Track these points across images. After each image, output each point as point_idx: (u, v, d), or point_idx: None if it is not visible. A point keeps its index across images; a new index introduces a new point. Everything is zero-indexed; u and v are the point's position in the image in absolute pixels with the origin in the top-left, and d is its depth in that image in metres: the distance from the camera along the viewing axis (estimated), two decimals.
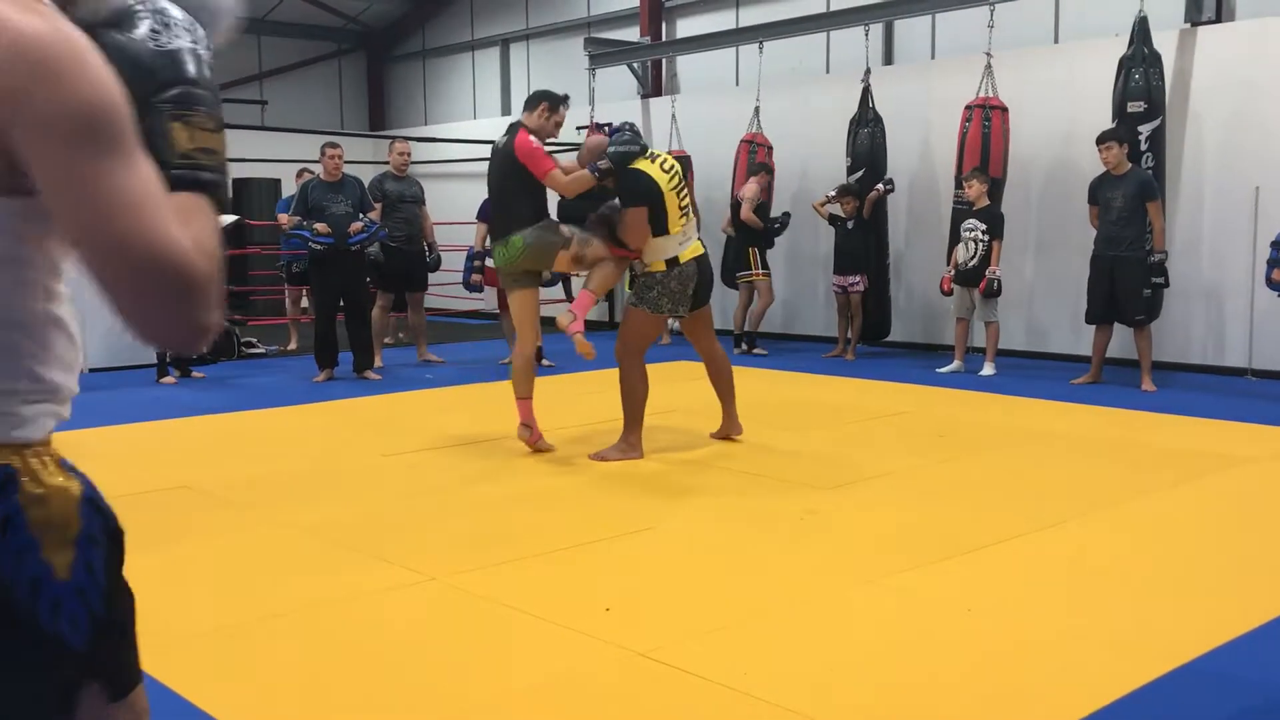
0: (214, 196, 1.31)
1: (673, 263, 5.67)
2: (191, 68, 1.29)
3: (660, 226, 5.61)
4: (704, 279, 5.87)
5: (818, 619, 3.48)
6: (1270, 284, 7.32)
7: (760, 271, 10.24)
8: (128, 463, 5.87)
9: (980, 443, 6.19)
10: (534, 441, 5.86)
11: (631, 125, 5.89)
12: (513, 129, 5.87)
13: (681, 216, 5.69)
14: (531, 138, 5.79)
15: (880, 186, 9.70)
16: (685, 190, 5.81)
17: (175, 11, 1.31)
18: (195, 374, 8.88)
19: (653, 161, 5.65)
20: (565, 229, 5.79)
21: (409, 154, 9.82)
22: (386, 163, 9.86)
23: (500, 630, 3.39)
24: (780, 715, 2.76)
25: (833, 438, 6.36)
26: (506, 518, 4.73)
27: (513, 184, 5.79)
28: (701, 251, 5.84)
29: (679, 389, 7.46)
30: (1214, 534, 4.42)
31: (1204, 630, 3.29)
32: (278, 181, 13.85)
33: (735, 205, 10.34)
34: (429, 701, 2.90)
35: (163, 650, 3.24)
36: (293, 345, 10.95)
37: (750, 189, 10.04)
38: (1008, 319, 9.41)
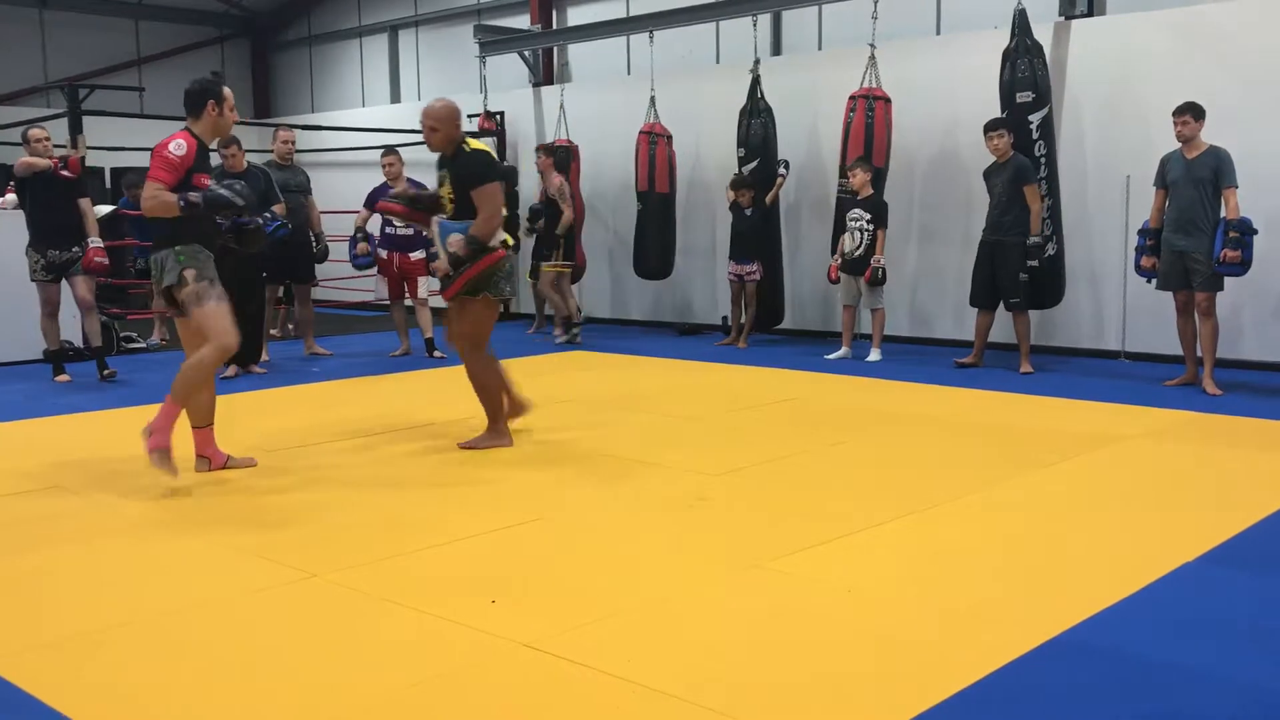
0: None
1: (504, 244, 5.67)
2: None
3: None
4: None
5: (702, 604, 3.50)
6: (1139, 270, 7.60)
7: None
8: (11, 461, 5.65)
9: (862, 427, 6.31)
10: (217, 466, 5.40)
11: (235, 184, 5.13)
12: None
13: None
14: (174, 142, 5.09)
15: (782, 171, 9.80)
16: None
17: None
18: (108, 371, 8.33)
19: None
20: (189, 272, 5.09)
21: (293, 142, 9.61)
22: (270, 151, 9.63)
23: (382, 626, 3.34)
24: (659, 700, 2.78)
25: (723, 425, 6.41)
26: (392, 512, 4.66)
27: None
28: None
29: (572, 379, 7.46)
30: (1082, 511, 4.56)
31: (1069, 605, 3.40)
32: None
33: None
34: (304, 703, 2.84)
35: (24, 655, 3.13)
36: (158, 338, 10.64)
37: (556, 181, 10.35)
38: (893, 305, 9.61)
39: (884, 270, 8.74)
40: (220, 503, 4.84)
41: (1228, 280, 7.29)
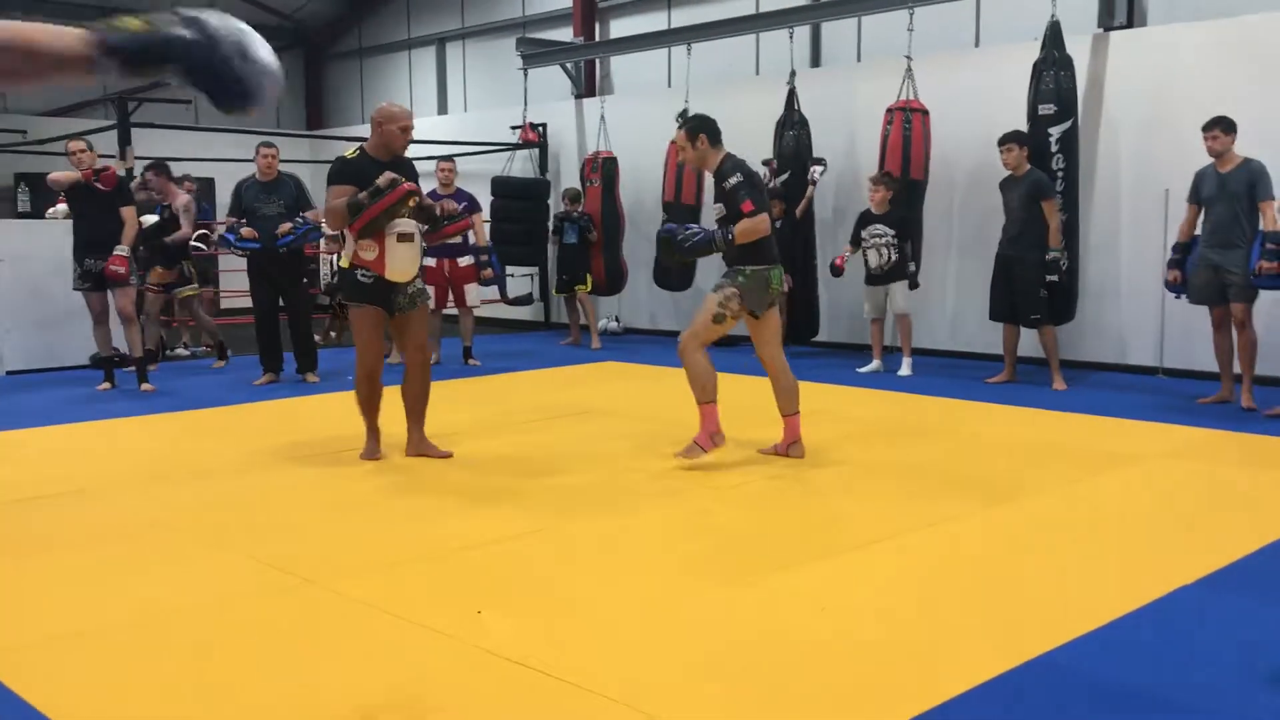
0: None
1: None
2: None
3: None
4: None
5: (691, 620, 3.51)
6: (1167, 285, 7.49)
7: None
8: (32, 465, 5.83)
9: (879, 441, 6.27)
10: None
11: None
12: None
13: None
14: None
15: (814, 177, 9.71)
16: None
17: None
18: (146, 385, 8.37)
19: None
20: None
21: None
22: (328, 162, 9.74)
23: (363, 634, 3.40)
24: (631, 716, 2.80)
25: (737, 440, 6.41)
26: (403, 521, 4.73)
27: None
28: None
29: (592, 390, 7.49)
30: (1084, 531, 4.50)
31: (1051, 627, 3.36)
32: (211, 181, 13.76)
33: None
34: (266, 708, 2.91)
35: (12, 654, 3.23)
36: (203, 345, 10.85)
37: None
38: (930, 317, 9.54)
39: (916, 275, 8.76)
40: (229, 513, 4.94)
41: (1267, 295, 7.14)
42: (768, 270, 5.61)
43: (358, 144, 5.85)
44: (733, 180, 5.48)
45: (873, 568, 4.03)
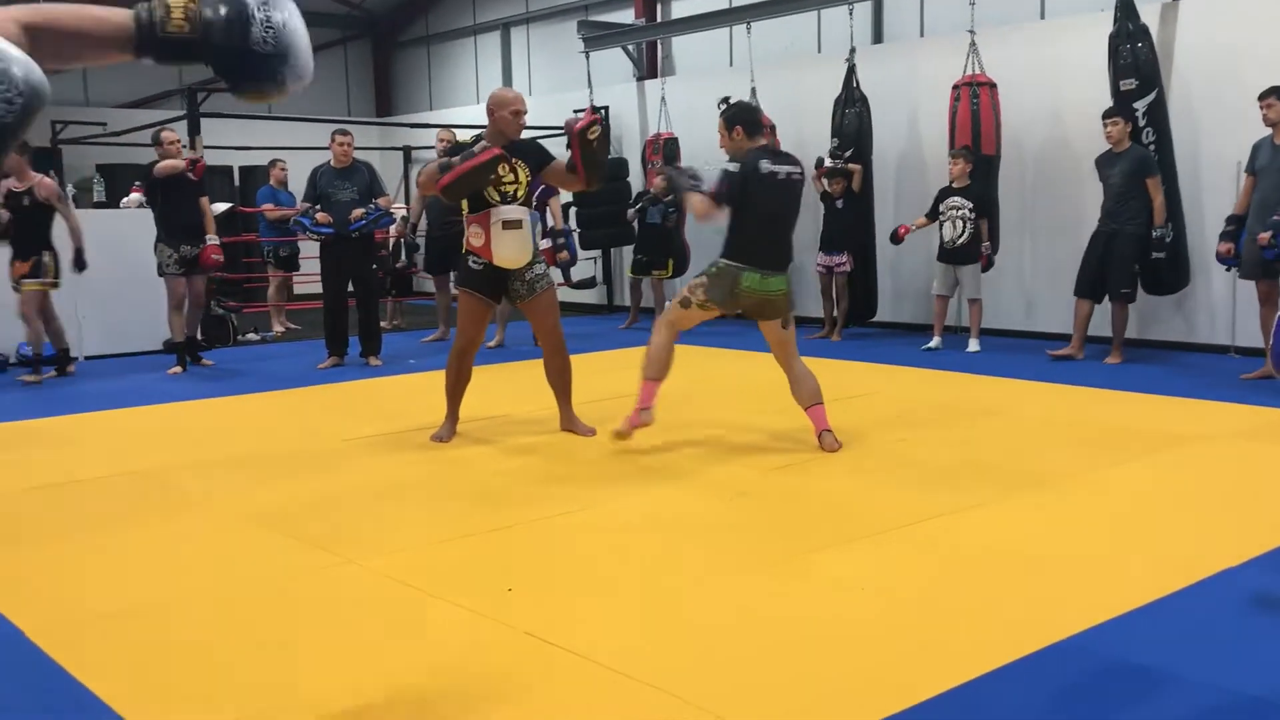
0: None
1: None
2: None
3: None
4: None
5: (713, 601, 3.51)
6: (1219, 258, 7.37)
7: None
8: (102, 448, 6.05)
9: (930, 422, 6.19)
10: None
11: None
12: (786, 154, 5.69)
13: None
14: None
15: (829, 160, 9.61)
16: None
17: None
18: (204, 362, 8.97)
19: None
20: None
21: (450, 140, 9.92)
22: (397, 149, 9.94)
23: (394, 612, 3.46)
24: (656, 697, 2.82)
25: (785, 420, 6.36)
26: (444, 501, 4.81)
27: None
28: None
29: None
30: (1133, 513, 4.41)
31: (1085, 608, 3.30)
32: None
33: None
34: (295, 685, 2.98)
35: (62, 631, 3.35)
36: (278, 329, 11.17)
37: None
38: (1000, 295, 9.39)
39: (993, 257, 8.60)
40: (276, 494, 5.06)
41: None
42: (740, 270, 5.36)
43: (477, 132, 5.93)
44: (727, 166, 5.35)
45: (909, 550, 3.99)
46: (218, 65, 1.75)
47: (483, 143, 5.55)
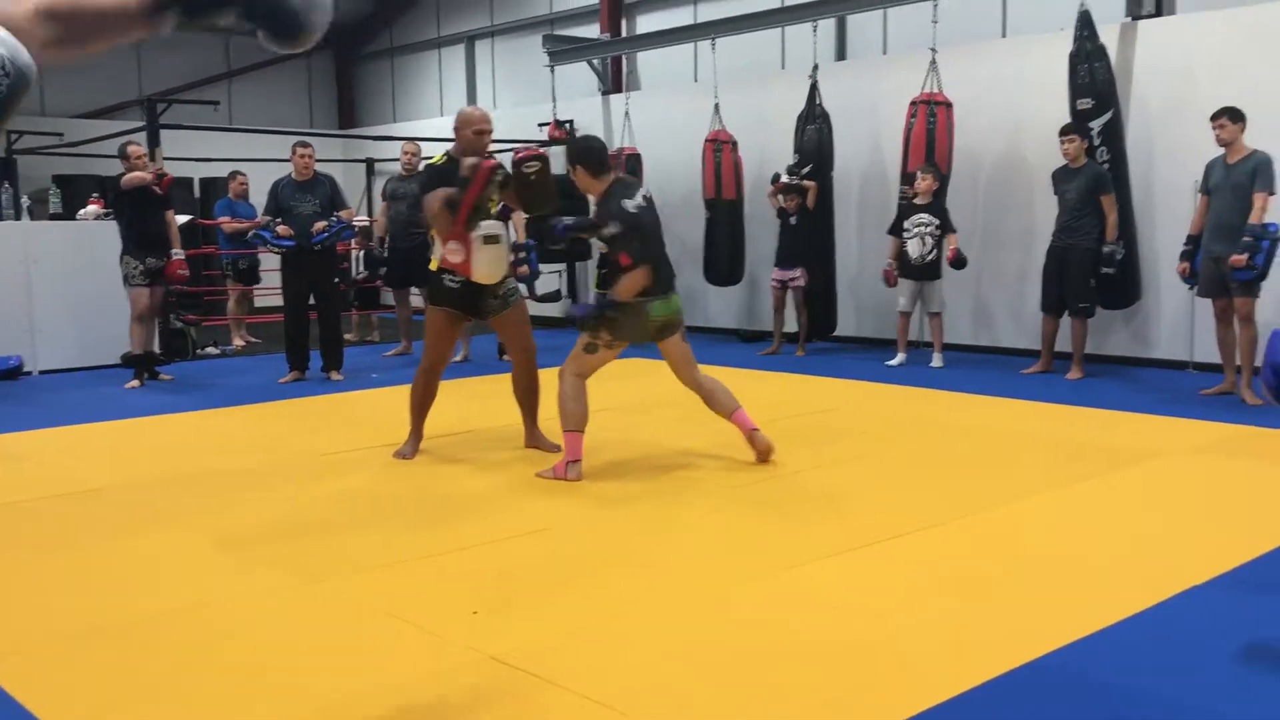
0: None
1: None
2: None
3: None
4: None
5: (683, 622, 3.49)
6: (1181, 278, 7.49)
7: None
8: (55, 465, 5.92)
9: (896, 438, 6.21)
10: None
11: None
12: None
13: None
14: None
15: (785, 176, 9.65)
16: None
17: None
18: (163, 376, 8.85)
19: None
20: None
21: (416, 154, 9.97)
22: (360, 161, 9.89)
23: (359, 635, 3.41)
24: (609, 717, 2.79)
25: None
26: (408, 520, 4.75)
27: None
28: None
29: (608, 387, 7.45)
30: (1094, 529, 4.43)
31: (1054, 629, 3.31)
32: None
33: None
34: (247, 707, 2.93)
35: (9, 657, 3.27)
36: (238, 343, 11.06)
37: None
38: (956, 310, 9.45)
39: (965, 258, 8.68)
40: (239, 512, 4.98)
41: (1271, 289, 7.07)
42: (644, 302, 5.27)
43: (444, 151, 5.87)
44: (610, 230, 5.21)
45: (874, 568, 3.99)
46: (250, 9, 1.72)
47: (472, 160, 5.48)
